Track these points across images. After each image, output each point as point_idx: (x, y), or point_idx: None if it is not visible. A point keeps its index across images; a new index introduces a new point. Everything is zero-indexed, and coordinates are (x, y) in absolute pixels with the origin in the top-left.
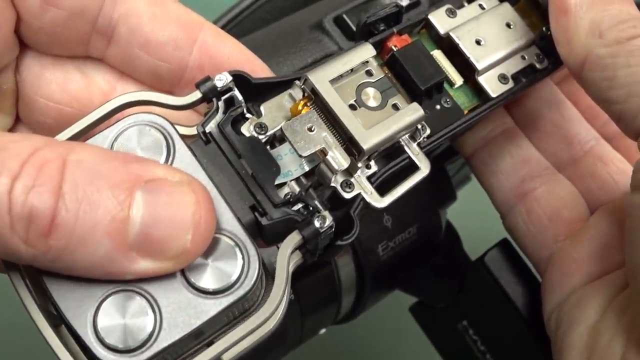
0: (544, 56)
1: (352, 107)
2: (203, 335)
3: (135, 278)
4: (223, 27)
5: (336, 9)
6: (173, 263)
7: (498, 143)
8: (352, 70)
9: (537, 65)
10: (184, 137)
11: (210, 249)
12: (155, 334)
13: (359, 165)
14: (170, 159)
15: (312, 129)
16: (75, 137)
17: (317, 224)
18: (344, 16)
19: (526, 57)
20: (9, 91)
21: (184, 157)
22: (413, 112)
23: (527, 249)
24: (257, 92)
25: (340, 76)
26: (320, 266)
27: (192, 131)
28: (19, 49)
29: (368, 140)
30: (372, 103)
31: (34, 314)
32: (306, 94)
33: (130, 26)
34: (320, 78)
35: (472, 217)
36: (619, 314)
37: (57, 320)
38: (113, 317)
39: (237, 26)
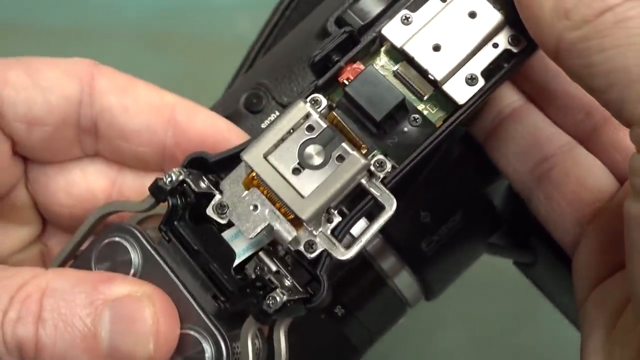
0: (520, 36)
1: (296, 170)
2: None
3: None
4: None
5: (337, 7)
6: None
7: (507, 125)
8: (292, 129)
9: (513, 49)
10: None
11: (180, 346)
12: None
13: (309, 229)
14: (140, 264)
15: (256, 207)
16: (71, 253)
17: (268, 307)
18: (343, 16)
19: (499, 44)
20: (26, 205)
21: (151, 262)
22: (352, 164)
23: (553, 234)
24: (222, 166)
25: (277, 143)
26: (367, 275)
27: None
28: (24, 164)
29: (306, 209)
30: (315, 161)
31: None
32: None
33: (107, 121)
34: (254, 156)
35: None
36: (630, 327)
37: None
38: None
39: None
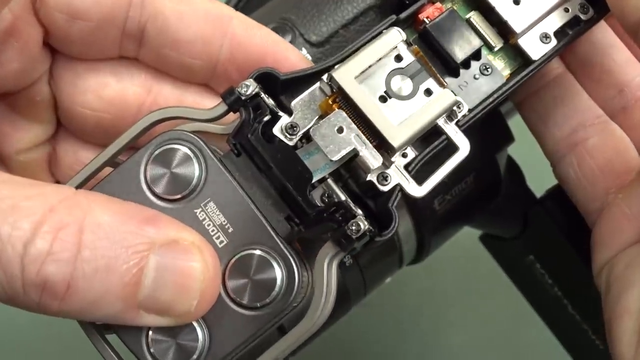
0: (588, 5)
1: (383, 98)
2: (253, 342)
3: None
4: None
5: None
6: (176, 320)
7: (549, 90)
8: (379, 58)
9: (582, 17)
10: (221, 139)
11: (250, 266)
12: (205, 351)
13: (393, 159)
14: (203, 176)
15: (342, 129)
16: (110, 160)
17: (350, 232)
18: None
19: (569, 9)
20: (45, 102)
21: (217, 173)
22: (444, 99)
23: (578, 199)
24: (286, 87)
25: (368, 66)
26: None
27: (229, 129)
28: (51, 58)
29: (398, 137)
30: (403, 92)
31: (87, 330)
32: (334, 90)
33: (158, 27)
34: (345, 75)
35: (535, 148)
36: None
37: (107, 330)
38: (164, 338)
39: None
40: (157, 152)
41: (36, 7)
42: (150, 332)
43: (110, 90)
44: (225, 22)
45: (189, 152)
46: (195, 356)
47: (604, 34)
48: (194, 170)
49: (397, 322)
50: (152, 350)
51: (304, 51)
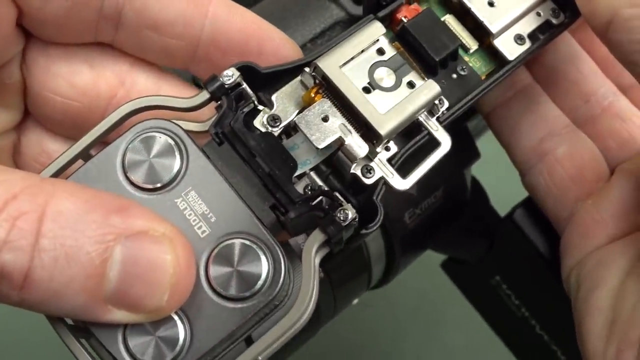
0: (559, 10)
1: (366, 89)
2: (237, 337)
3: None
4: None
5: None
6: (147, 317)
7: (517, 101)
8: (362, 50)
9: (554, 21)
10: (196, 137)
11: (234, 255)
12: (187, 346)
13: (378, 150)
14: (184, 165)
15: (327, 118)
16: (83, 152)
17: (339, 219)
18: None
19: (541, 14)
20: (15, 86)
21: (198, 162)
22: (429, 89)
23: (548, 208)
24: (267, 81)
25: (351, 58)
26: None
27: (204, 127)
28: (24, 41)
29: (385, 125)
30: (386, 83)
31: (59, 329)
32: (317, 81)
33: (137, 8)
34: (330, 64)
35: (496, 170)
36: None
37: (83, 333)
38: (143, 334)
39: None
40: (136, 141)
41: None
42: (127, 329)
43: (82, 78)
44: (206, 2)
45: (169, 140)
46: (176, 352)
47: (570, 45)
48: (175, 158)
49: (395, 321)
50: (130, 347)
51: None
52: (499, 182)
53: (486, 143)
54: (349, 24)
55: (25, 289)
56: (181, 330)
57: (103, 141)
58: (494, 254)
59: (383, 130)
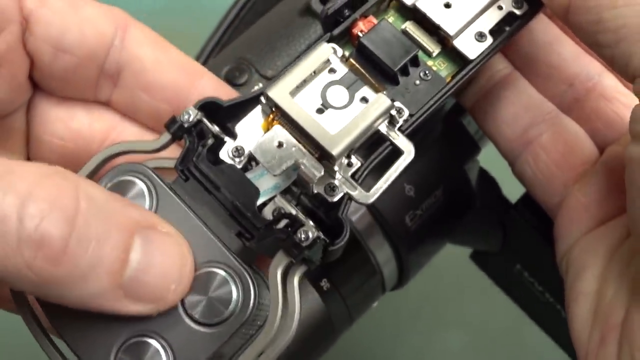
0: (522, 0)
1: (320, 110)
2: (221, 358)
3: (113, 314)
4: (222, 35)
5: None
6: (150, 308)
7: (497, 91)
8: (314, 72)
9: (517, 12)
10: (169, 172)
11: (205, 283)
12: None
13: (336, 168)
14: (154, 203)
15: (281, 144)
16: None
17: (299, 240)
18: None
19: (503, 7)
20: (20, 131)
21: (167, 199)
22: (379, 103)
23: (538, 196)
24: (230, 113)
25: (303, 81)
26: (354, 250)
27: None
28: (33, 90)
29: (336, 145)
30: (339, 102)
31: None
32: (273, 109)
33: (134, 70)
34: (280, 91)
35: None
36: (625, 263)
37: None
38: None
39: (235, 30)
40: (109, 184)
41: (25, 37)
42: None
43: (78, 122)
44: (198, 76)
45: (138, 181)
46: None
47: (547, 29)
48: (145, 198)
49: (395, 322)
50: None
51: (261, 86)
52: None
53: None
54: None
55: (61, 263)
56: (164, 358)
57: None
58: (510, 243)
59: (334, 150)
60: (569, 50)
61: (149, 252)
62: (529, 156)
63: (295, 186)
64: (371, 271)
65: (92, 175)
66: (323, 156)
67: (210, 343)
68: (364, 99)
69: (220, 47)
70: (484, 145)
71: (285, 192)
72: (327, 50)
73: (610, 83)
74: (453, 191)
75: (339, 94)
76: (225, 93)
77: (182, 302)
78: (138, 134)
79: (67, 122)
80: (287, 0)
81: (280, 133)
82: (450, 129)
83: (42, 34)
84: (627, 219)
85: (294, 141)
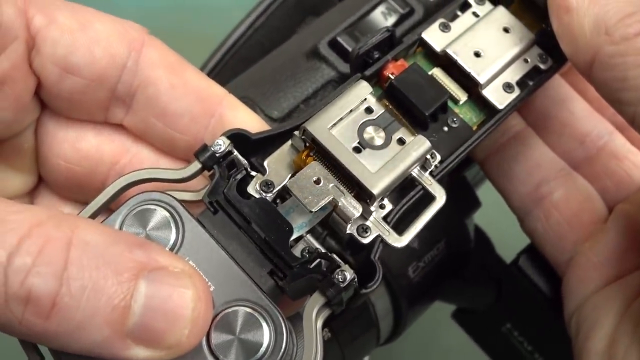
0: (547, 55)
1: (357, 149)
2: None
3: None
4: (221, 59)
5: (328, 29)
6: (166, 353)
7: (511, 147)
8: (350, 110)
9: (542, 66)
10: (191, 206)
11: (235, 323)
12: None
13: (372, 209)
14: (180, 235)
15: (319, 180)
16: None
17: (337, 281)
18: (339, 39)
19: (529, 60)
20: (30, 150)
21: (194, 232)
22: (419, 145)
23: (547, 252)
24: (258, 147)
25: (340, 119)
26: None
27: (198, 196)
28: (40, 110)
29: (377, 184)
30: (376, 142)
31: None
32: (307, 144)
33: (148, 95)
34: (319, 126)
35: (501, 216)
36: (636, 321)
37: None
38: None
39: (233, 57)
40: (130, 215)
41: (31, 56)
42: None
43: (87, 144)
44: (216, 102)
45: (164, 212)
46: None
47: (561, 88)
48: (171, 230)
49: None
50: None
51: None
52: (504, 228)
53: (488, 189)
54: (340, 83)
55: (52, 317)
56: None
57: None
58: (503, 301)
59: (375, 190)
60: (581, 108)
61: (155, 297)
62: (540, 213)
63: (321, 226)
64: (370, 323)
65: (111, 202)
66: (360, 195)
67: None
68: (401, 140)
69: (218, 71)
70: None
71: (311, 232)
72: (366, 89)
73: (621, 142)
74: (454, 246)
75: (376, 134)
76: (243, 110)
77: (208, 340)
78: (152, 159)
79: (74, 144)
80: (292, 40)
81: (317, 169)
82: (455, 182)
83: (48, 53)
84: None
85: (332, 177)
